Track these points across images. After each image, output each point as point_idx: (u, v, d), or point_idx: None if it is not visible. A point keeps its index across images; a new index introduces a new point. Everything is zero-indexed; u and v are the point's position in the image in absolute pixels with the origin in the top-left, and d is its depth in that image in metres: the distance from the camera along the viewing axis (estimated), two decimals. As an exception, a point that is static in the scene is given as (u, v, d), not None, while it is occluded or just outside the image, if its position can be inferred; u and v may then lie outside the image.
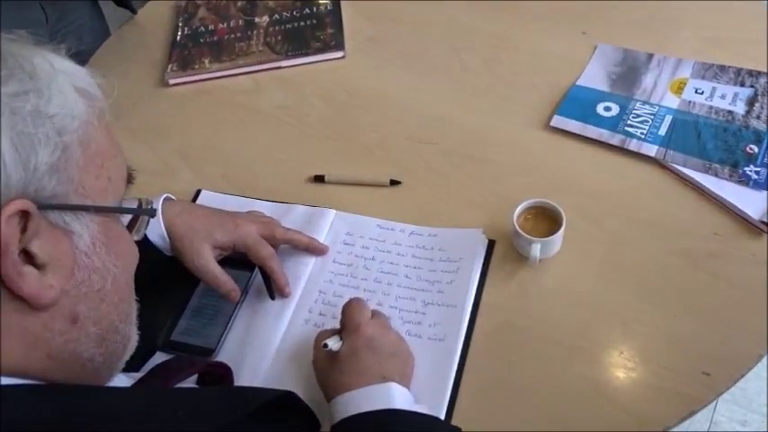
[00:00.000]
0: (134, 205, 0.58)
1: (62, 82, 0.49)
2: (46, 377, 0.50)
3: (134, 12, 1.32)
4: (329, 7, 1.29)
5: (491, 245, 0.89)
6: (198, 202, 0.99)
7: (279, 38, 1.25)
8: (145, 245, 0.76)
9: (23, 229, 0.46)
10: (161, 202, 0.84)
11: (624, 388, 0.76)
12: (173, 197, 0.88)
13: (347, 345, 0.73)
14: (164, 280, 0.85)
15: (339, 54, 1.20)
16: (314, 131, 1.09)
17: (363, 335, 0.73)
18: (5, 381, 0.47)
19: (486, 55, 1.15)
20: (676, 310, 0.81)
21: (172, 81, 1.19)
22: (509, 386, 0.77)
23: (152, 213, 0.60)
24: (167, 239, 0.83)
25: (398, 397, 0.69)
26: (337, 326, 0.83)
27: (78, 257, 0.50)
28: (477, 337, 0.81)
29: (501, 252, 0.88)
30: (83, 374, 0.53)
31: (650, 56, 1.10)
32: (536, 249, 0.83)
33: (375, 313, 0.77)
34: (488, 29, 1.20)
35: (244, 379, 0.79)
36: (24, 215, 0.45)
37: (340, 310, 0.85)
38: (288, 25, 1.27)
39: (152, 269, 0.80)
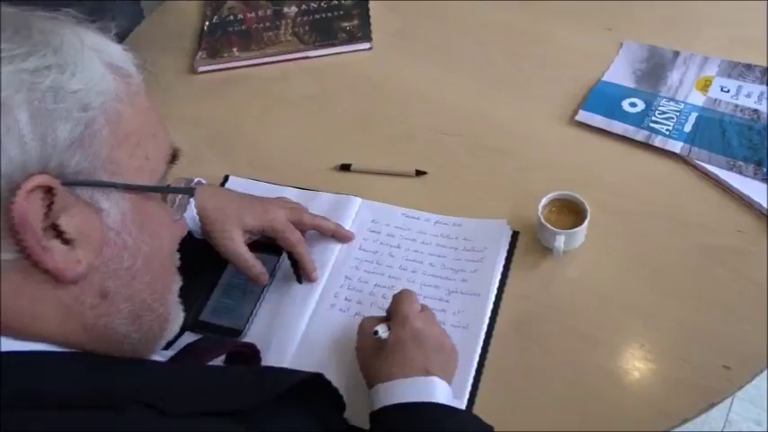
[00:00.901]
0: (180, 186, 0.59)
1: (90, 58, 0.49)
2: (86, 350, 0.51)
3: None
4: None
5: (515, 236, 0.90)
6: (226, 187, 1.01)
7: (307, 28, 1.26)
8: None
9: (50, 205, 0.46)
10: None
11: (643, 379, 0.78)
12: (203, 181, 0.90)
13: (394, 334, 0.73)
14: (193, 262, 0.87)
15: (366, 45, 1.22)
16: (340, 121, 1.10)
17: (411, 327, 0.73)
18: (42, 347, 0.49)
19: (513, 49, 1.16)
20: (698, 305, 0.82)
21: (201, 68, 1.21)
22: (530, 374, 0.79)
23: (189, 192, 0.59)
24: (198, 222, 0.85)
25: (440, 391, 0.70)
26: (363, 311, 0.85)
27: (107, 234, 0.50)
28: (499, 326, 0.82)
29: (524, 243, 0.89)
30: (120, 350, 0.54)
31: (676, 53, 1.11)
32: (560, 241, 0.84)
33: (423, 307, 0.78)
34: (515, 23, 1.21)
35: (270, 361, 0.81)
36: (48, 191, 0.46)
37: (365, 296, 0.87)
38: (316, 16, 1.29)
39: (182, 251, 0.82)
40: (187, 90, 1.19)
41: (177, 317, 0.60)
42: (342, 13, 1.28)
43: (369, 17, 1.26)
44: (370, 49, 1.21)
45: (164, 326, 0.58)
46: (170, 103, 1.15)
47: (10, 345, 0.47)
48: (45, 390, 0.46)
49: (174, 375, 0.57)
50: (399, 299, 0.77)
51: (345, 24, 1.26)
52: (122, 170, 0.50)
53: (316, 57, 1.22)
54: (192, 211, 0.84)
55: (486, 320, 0.82)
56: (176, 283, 0.60)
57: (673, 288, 0.83)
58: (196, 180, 0.87)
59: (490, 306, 0.83)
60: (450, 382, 0.73)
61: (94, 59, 0.50)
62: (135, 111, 0.52)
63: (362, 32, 1.23)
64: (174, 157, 0.57)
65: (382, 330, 0.74)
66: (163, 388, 0.52)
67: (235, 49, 1.24)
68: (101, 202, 0.49)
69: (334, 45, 1.22)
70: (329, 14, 1.29)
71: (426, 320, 0.75)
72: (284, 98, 1.15)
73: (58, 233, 0.47)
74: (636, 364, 0.79)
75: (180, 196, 0.59)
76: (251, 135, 1.10)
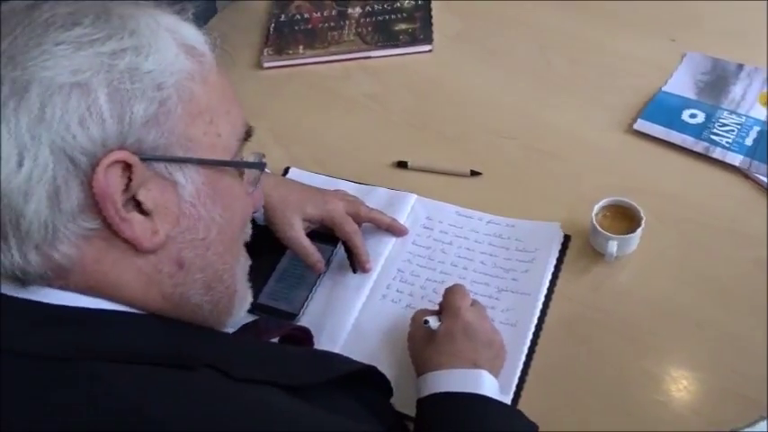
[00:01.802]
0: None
1: (164, 39, 0.52)
2: (163, 316, 0.55)
3: None
4: (419, 1, 1.33)
5: (566, 239, 0.91)
6: (287, 177, 1.04)
7: (369, 29, 1.30)
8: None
9: (129, 179, 0.49)
10: None
11: (691, 387, 0.78)
12: (268, 170, 0.93)
13: (445, 326, 0.75)
14: (254, 247, 0.90)
15: (426, 47, 1.24)
16: (399, 119, 1.13)
17: (462, 319, 0.75)
18: (128, 309, 0.52)
19: (573, 56, 1.17)
20: (750, 318, 0.81)
21: (267, 64, 1.26)
22: (576, 375, 0.80)
23: (260, 167, 0.61)
24: (261, 209, 0.89)
25: (487, 384, 0.71)
26: (413, 303, 0.88)
27: (183, 206, 0.53)
28: (548, 326, 0.83)
29: (576, 247, 0.90)
30: (194, 320, 0.58)
31: (740, 66, 1.10)
32: (613, 246, 0.84)
33: (475, 302, 0.80)
34: (576, 30, 1.21)
35: (322, 345, 0.84)
36: (127, 166, 0.49)
37: (416, 289, 0.89)
38: (378, 17, 1.32)
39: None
40: (253, 84, 1.23)
41: (245, 294, 0.63)
42: (404, 15, 1.31)
43: (431, 19, 1.29)
44: (430, 51, 1.24)
45: (232, 298, 0.60)
46: (237, 96, 1.19)
47: (96, 303, 0.51)
48: (125, 346, 0.50)
49: (239, 345, 0.60)
50: (451, 292, 0.79)
51: (407, 26, 1.28)
52: (196, 146, 0.53)
53: (377, 57, 1.25)
54: (255, 199, 0.88)
55: (535, 320, 0.83)
56: (244, 256, 0.63)
57: (725, 299, 0.83)
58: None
59: (539, 306, 0.85)
60: (497, 377, 0.74)
61: (169, 40, 0.52)
62: (208, 89, 0.54)
63: (424, 34, 1.26)
64: (247, 134, 0.59)
65: (432, 321, 0.76)
66: (229, 354, 0.55)
67: (300, 47, 1.28)
68: (176, 176, 0.52)
69: (396, 46, 1.25)
70: (392, 16, 1.32)
71: (477, 315, 0.77)
72: (345, 95, 1.19)
73: (137, 205, 0.51)
74: (684, 372, 0.79)
75: (253, 173, 0.61)
76: (312, 129, 1.14)
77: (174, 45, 0.53)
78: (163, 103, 0.50)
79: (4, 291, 0.50)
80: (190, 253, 0.54)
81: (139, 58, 0.50)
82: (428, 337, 0.76)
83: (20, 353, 0.47)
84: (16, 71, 0.46)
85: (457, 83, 1.17)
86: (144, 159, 0.50)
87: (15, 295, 0.50)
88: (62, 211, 0.48)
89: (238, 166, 0.59)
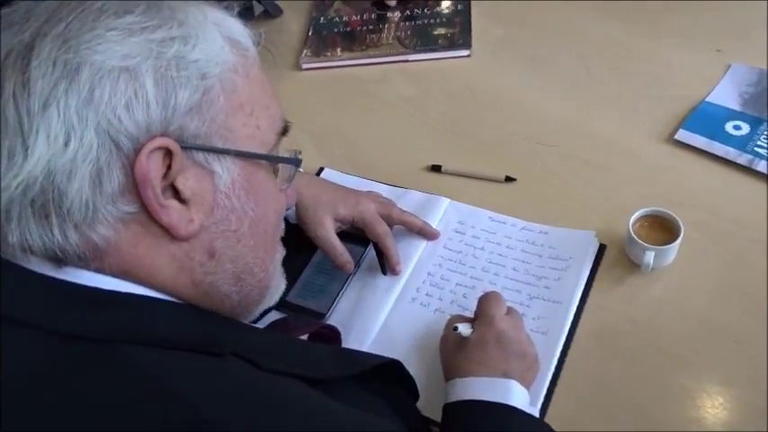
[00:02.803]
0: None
1: (211, 31, 0.53)
2: (192, 303, 0.56)
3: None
4: (459, 7, 1.33)
5: (601, 249, 0.89)
6: (320, 177, 1.05)
7: (408, 33, 1.30)
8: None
9: (169, 166, 0.50)
10: None
11: (727, 405, 0.75)
12: (301, 170, 0.94)
13: (478, 333, 0.74)
14: (285, 245, 0.91)
15: (465, 52, 1.23)
16: (435, 124, 1.12)
17: (495, 328, 0.74)
18: (157, 295, 0.53)
19: (614, 64, 1.15)
20: (792, 336, 0.79)
21: (305, 66, 1.27)
22: (608, 387, 0.78)
23: (295, 162, 0.61)
24: (293, 208, 0.89)
25: (516, 395, 0.70)
26: (443, 307, 0.87)
27: (218, 197, 0.54)
28: (579, 336, 0.82)
29: (611, 257, 0.89)
30: (221, 309, 0.58)
31: (788, 79, 1.07)
32: (649, 257, 0.82)
33: (510, 310, 0.78)
34: (618, 38, 1.20)
35: (349, 346, 0.83)
36: (168, 153, 0.50)
37: (446, 293, 0.89)
38: (417, 21, 1.32)
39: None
40: (291, 85, 1.24)
41: (278, 285, 0.64)
42: (444, 20, 1.31)
43: (470, 24, 1.28)
44: (469, 56, 1.23)
45: (263, 292, 0.61)
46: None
47: (129, 287, 0.52)
48: (156, 331, 0.50)
49: (266, 338, 0.61)
50: (486, 300, 0.78)
51: (446, 31, 1.28)
52: (235, 137, 0.54)
53: (415, 60, 1.25)
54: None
55: (567, 329, 0.82)
56: (279, 252, 0.64)
57: (765, 316, 0.80)
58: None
59: (571, 315, 0.83)
60: (528, 389, 0.73)
61: (215, 32, 0.54)
62: (249, 82, 0.55)
63: (463, 39, 1.25)
64: (285, 129, 0.60)
65: (463, 328, 0.75)
66: (257, 345, 0.56)
67: (338, 49, 1.29)
68: (214, 166, 0.53)
69: (434, 50, 1.25)
70: (431, 20, 1.31)
71: (512, 324, 0.75)
72: (382, 98, 1.19)
73: (175, 193, 0.52)
74: (720, 389, 0.76)
75: (288, 169, 0.62)
76: (348, 131, 1.14)
77: (219, 37, 0.54)
78: (206, 92, 0.52)
79: (41, 270, 0.50)
80: (221, 243, 0.55)
81: (186, 48, 0.51)
82: (460, 343, 0.75)
83: (51, 331, 0.48)
84: (69, 54, 0.48)
85: (495, 89, 1.16)
86: (185, 147, 0.51)
87: (52, 275, 0.50)
88: (103, 192, 0.49)
89: (275, 160, 0.59)
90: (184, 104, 0.50)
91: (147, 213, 0.51)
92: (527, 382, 0.74)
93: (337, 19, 1.36)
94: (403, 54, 1.26)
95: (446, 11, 1.33)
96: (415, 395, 0.73)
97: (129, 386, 0.46)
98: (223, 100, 0.53)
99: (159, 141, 0.49)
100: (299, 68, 1.27)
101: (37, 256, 0.50)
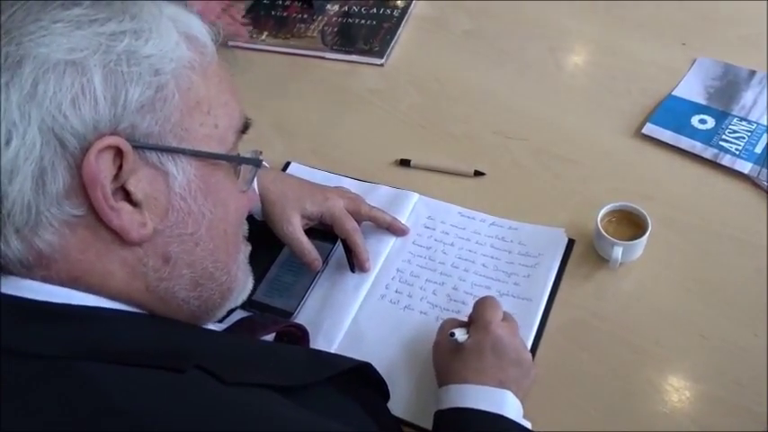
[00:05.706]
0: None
1: (166, 26, 0.51)
2: (147, 309, 0.54)
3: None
4: (396, 13, 1.27)
5: (570, 244, 0.89)
6: (287, 172, 1.03)
7: (334, 29, 1.27)
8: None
9: (120, 167, 0.48)
10: None
11: (694, 398, 0.76)
12: (267, 165, 0.92)
13: (473, 339, 0.73)
14: (251, 243, 0.89)
15: (379, 61, 1.19)
16: (404, 117, 1.11)
17: (492, 334, 0.72)
18: (111, 304, 0.51)
19: (583, 58, 1.16)
20: (756, 329, 0.79)
21: (231, 43, 1.24)
22: (576, 382, 0.78)
23: (255, 163, 0.59)
24: (259, 204, 0.87)
25: (511, 406, 0.69)
26: (412, 304, 0.86)
27: (173, 199, 0.51)
28: (549, 332, 0.82)
29: (579, 252, 0.89)
30: (180, 315, 0.56)
31: (752, 73, 1.08)
32: (618, 252, 0.83)
33: (507, 316, 0.76)
34: (587, 32, 1.20)
35: (318, 345, 0.82)
36: (119, 153, 0.48)
37: (415, 290, 0.88)
38: (349, 20, 1.28)
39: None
40: (253, 72, 1.21)
41: (245, 285, 0.62)
42: (374, 22, 1.26)
43: (395, 35, 1.23)
44: (382, 65, 1.19)
45: (225, 295, 0.59)
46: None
47: (81, 297, 0.49)
48: (114, 345, 0.48)
49: (231, 346, 0.58)
50: (483, 304, 0.76)
51: (369, 36, 1.24)
52: (191, 137, 0.52)
53: (331, 59, 1.22)
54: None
55: (536, 326, 0.82)
56: (243, 252, 0.61)
57: (731, 309, 0.81)
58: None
59: (541, 312, 0.83)
60: (523, 399, 0.72)
61: (170, 28, 0.52)
62: (207, 80, 0.54)
63: (380, 47, 1.21)
64: (245, 126, 0.58)
65: (459, 334, 0.73)
66: (221, 356, 0.53)
67: (265, 33, 1.28)
68: (168, 167, 0.51)
69: (349, 53, 1.22)
70: (361, 21, 1.27)
71: (508, 330, 0.74)
72: (351, 91, 1.17)
73: (127, 195, 0.49)
74: (687, 383, 0.77)
75: (249, 170, 0.60)
76: (315, 124, 1.12)
77: (175, 33, 0.52)
78: (160, 89, 0.50)
79: None
80: (177, 248, 0.53)
81: (139, 42, 0.49)
82: (454, 349, 0.73)
83: (6, 349, 0.45)
84: (11, 46, 0.45)
85: (465, 82, 1.15)
86: (137, 147, 0.49)
87: None
88: (46, 193, 0.46)
89: (234, 160, 0.57)
90: (136, 101, 0.48)
91: (96, 217, 0.48)
92: (523, 390, 0.73)
93: (280, 2, 1.34)
94: (320, 51, 1.24)
95: (386, 12, 1.28)
96: (386, 396, 0.73)
97: (83, 405, 0.43)
98: (178, 98, 0.51)
99: (109, 140, 0.47)
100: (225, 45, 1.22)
101: None
